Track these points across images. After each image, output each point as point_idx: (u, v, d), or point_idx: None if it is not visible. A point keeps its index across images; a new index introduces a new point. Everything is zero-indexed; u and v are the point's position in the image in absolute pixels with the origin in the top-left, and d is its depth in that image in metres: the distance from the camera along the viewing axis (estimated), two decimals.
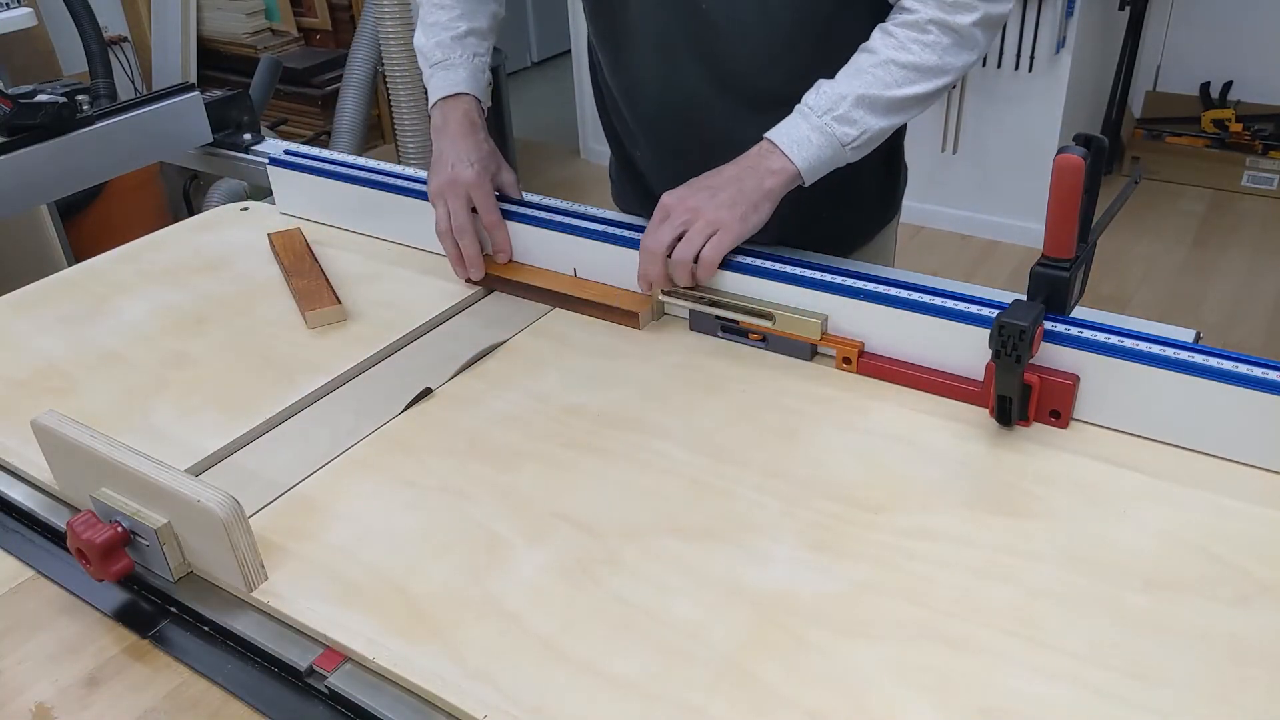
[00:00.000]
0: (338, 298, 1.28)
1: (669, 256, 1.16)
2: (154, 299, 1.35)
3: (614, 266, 1.26)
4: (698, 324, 1.21)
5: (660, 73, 1.33)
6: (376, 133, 5.25)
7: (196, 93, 1.81)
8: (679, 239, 1.15)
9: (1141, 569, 0.84)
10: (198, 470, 1.01)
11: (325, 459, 1.03)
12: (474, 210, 1.31)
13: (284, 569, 0.89)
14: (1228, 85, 4.43)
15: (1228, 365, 0.93)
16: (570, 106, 5.25)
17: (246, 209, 1.61)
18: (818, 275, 1.13)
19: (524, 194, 1.38)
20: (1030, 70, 3.91)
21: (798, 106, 1.18)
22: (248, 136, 1.83)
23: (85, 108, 1.70)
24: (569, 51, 5.06)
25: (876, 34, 1.18)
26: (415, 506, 0.96)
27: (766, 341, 1.16)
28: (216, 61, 4.93)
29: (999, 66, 3.95)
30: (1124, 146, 4.62)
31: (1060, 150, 0.94)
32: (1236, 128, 4.34)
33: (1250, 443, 0.94)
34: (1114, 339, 0.98)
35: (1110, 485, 0.94)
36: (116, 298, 1.36)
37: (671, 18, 1.27)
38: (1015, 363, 0.95)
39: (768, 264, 1.16)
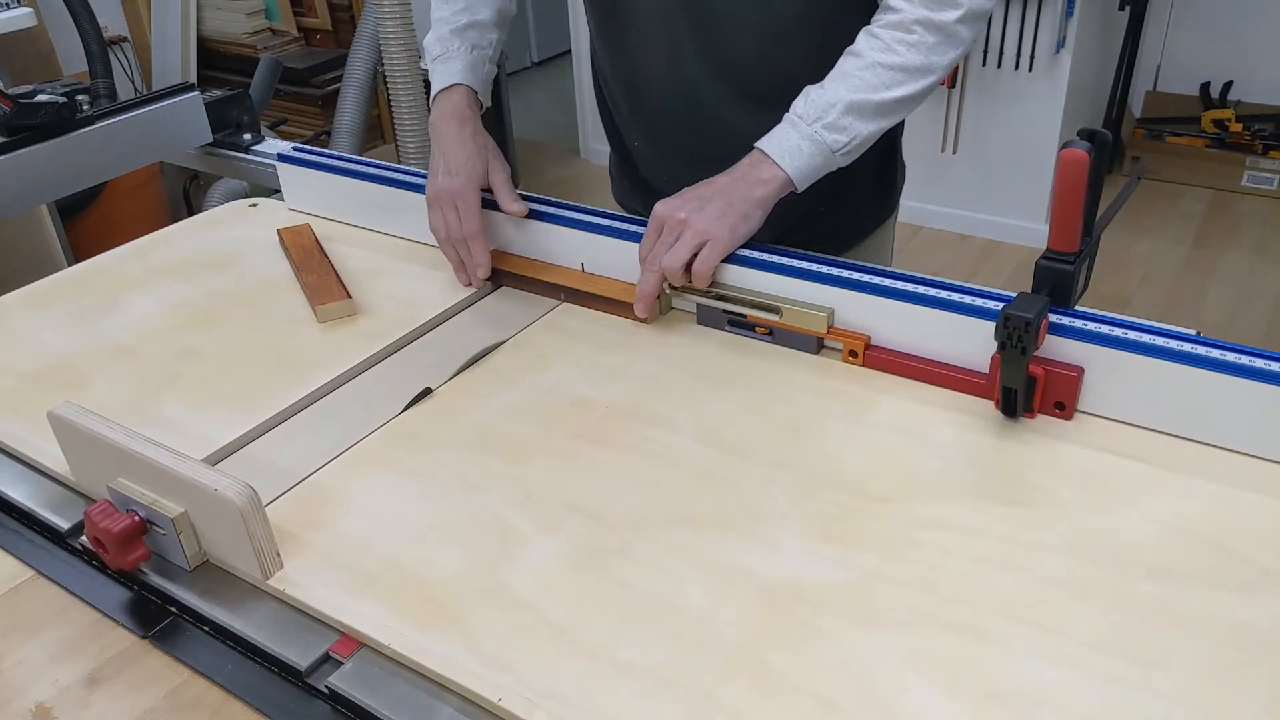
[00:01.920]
0: (348, 292, 1.29)
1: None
2: (163, 295, 1.36)
3: (621, 261, 1.27)
4: (705, 318, 1.22)
5: (661, 64, 1.34)
6: (376, 133, 5.26)
7: (196, 93, 1.81)
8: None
9: (1146, 558, 0.85)
10: (212, 461, 1.02)
11: (337, 451, 1.04)
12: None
13: (299, 558, 0.90)
14: (1228, 85, 4.44)
15: (1230, 357, 0.94)
16: (570, 106, 5.24)
17: (255, 205, 1.62)
18: (824, 269, 1.14)
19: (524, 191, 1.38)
20: (1030, 70, 3.91)
21: (787, 115, 1.19)
22: (248, 136, 1.83)
23: (85, 108, 1.70)
24: (569, 51, 5.06)
25: (862, 37, 1.19)
26: (427, 497, 0.97)
27: (773, 335, 1.17)
28: (216, 61, 4.94)
29: (999, 66, 3.95)
30: (1124, 146, 4.62)
31: (1064, 145, 0.95)
32: (1236, 128, 4.35)
33: (1253, 433, 0.95)
34: (1118, 331, 0.99)
35: (1115, 476, 0.95)
36: (126, 293, 1.37)
37: (673, 8, 1.28)
38: (1020, 354, 0.96)
39: (775, 258, 1.17)
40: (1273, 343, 3.45)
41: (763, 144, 1.19)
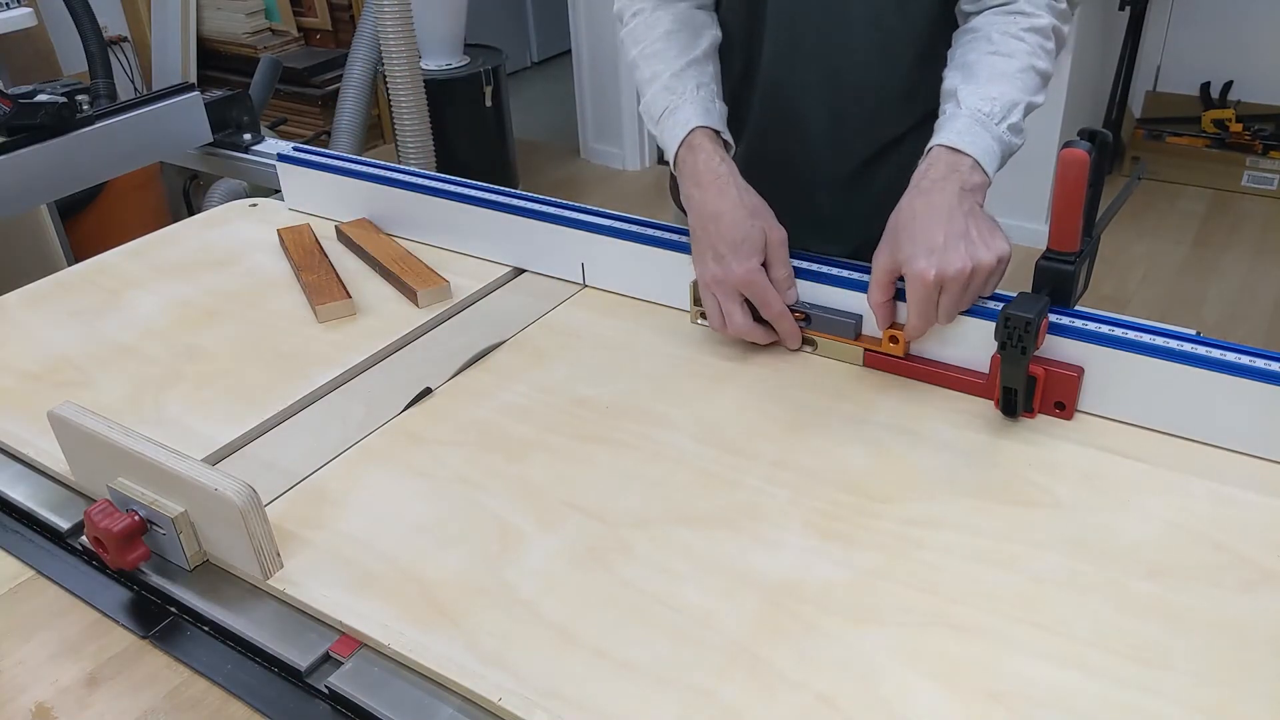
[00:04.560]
0: (348, 292, 1.29)
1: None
2: (165, 293, 1.36)
3: (623, 264, 1.28)
4: None
5: (778, 67, 1.28)
6: (376, 133, 5.26)
7: (196, 93, 1.81)
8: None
9: (1146, 557, 0.85)
10: (212, 461, 1.02)
11: (338, 450, 1.04)
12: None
13: (299, 557, 0.90)
14: (1228, 85, 4.43)
15: (1230, 357, 0.94)
16: (570, 106, 5.22)
17: (255, 205, 1.62)
18: (820, 269, 1.14)
19: None
20: None
21: (963, 113, 1.07)
22: (248, 136, 1.83)
23: (85, 108, 1.70)
24: (569, 51, 5.06)
25: (1003, 38, 1.10)
26: (427, 496, 0.97)
27: (810, 321, 1.14)
28: (216, 61, 4.94)
29: None
30: (1124, 146, 4.62)
31: (1065, 145, 0.95)
32: (1236, 128, 4.34)
33: (1252, 433, 0.95)
34: (1118, 331, 0.99)
35: (1114, 475, 0.95)
36: (128, 292, 1.37)
37: (801, 18, 1.23)
38: (1020, 354, 0.96)
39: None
40: (1273, 343, 3.45)
41: (963, 146, 1.05)
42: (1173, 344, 0.97)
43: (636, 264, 1.25)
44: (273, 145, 1.80)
